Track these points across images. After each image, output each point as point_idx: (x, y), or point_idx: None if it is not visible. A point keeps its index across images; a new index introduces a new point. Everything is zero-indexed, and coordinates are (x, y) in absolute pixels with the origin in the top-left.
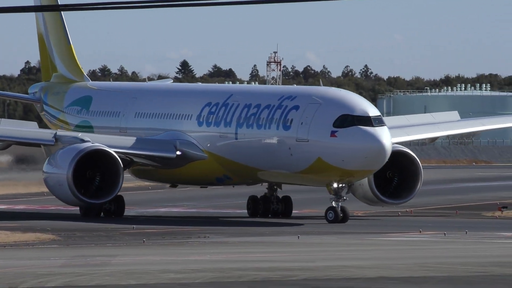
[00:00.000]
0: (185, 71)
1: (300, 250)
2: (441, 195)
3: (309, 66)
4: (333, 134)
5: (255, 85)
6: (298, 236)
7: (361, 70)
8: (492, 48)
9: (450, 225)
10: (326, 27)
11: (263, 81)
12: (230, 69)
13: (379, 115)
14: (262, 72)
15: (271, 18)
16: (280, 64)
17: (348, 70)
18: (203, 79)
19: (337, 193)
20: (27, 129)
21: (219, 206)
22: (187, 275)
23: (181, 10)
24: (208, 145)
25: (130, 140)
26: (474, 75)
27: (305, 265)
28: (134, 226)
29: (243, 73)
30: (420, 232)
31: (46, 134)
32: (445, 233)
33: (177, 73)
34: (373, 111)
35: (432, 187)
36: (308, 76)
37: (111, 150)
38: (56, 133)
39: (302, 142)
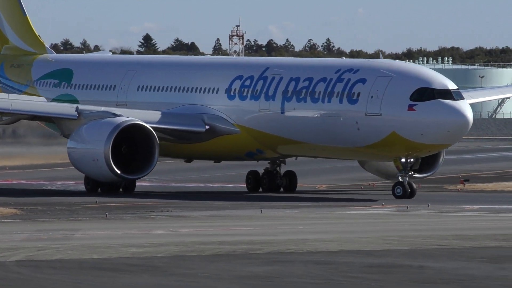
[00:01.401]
0: (147, 45)
1: (263, 223)
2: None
3: (272, 39)
4: (410, 107)
5: (296, 58)
6: (261, 210)
7: (323, 43)
8: (454, 21)
9: (412, 198)
10: (288, 1)
11: (225, 55)
12: (193, 43)
13: (458, 89)
14: (225, 45)
15: None
16: (243, 38)
17: (311, 44)
18: (165, 52)
19: (405, 168)
20: (44, 103)
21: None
22: (150, 249)
23: None
24: (242, 119)
25: (157, 115)
26: (436, 48)
27: (267, 238)
28: (97, 200)
29: (205, 47)
30: (383, 205)
31: (67, 108)
32: (407, 207)
33: (139, 47)
34: (451, 84)
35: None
36: (271, 49)
37: (148, 125)
38: (77, 107)
39: (373, 116)
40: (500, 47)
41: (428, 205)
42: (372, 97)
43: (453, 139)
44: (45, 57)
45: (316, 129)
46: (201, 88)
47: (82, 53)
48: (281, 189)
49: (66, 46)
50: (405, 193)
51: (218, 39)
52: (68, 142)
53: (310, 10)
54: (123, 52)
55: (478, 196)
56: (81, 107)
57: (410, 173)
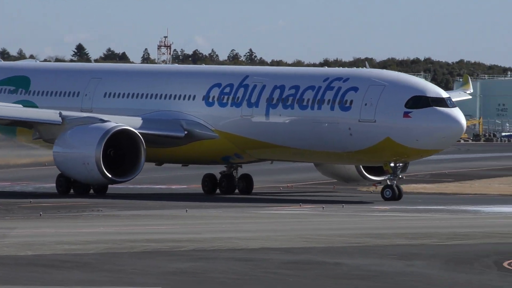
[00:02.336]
0: (80, 54)
1: (188, 222)
2: (295, 173)
3: (197, 49)
4: (406, 114)
5: (278, 67)
6: (186, 210)
7: (246, 53)
8: (367, 33)
9: (328, 199)
10: (213, 13)
11: (153, 64)
12: (124, 53)
13: (450, 97)
14: (153, 55)
15: (161, 3)
16: (170, 48)
17: (234, 53)
18: (97, 61)
19: (394, 172)
20: (26, 109)
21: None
22: (81, 246)
23: None
24: (222, 125)
25: (138, 120)
26: (351, 59)
27: (192, 236)
28: (32, 200)
29: (135, 57)
30: (300, 205)
31: (52, 114)
32: (323, 207)
33: (72, 56)
34: (444, 92)
35: (311, 164)
36: (196, 59)
37: (136, 131)
38: (61, 112)
39: (367, 123)
40: (412, 58)
41: (343, 205)
42: (366, 104)
43: (446, 144)
44: None
45: (305, 135)
46: (175, 95)
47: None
48: (236, 191)
49: (4, 55)
50: (394, 196)
51: (146, 49)
52: (54, 147)
53: (233, 22)
54: (58, 60)
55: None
56: (64, 113)
57: (398, 177)
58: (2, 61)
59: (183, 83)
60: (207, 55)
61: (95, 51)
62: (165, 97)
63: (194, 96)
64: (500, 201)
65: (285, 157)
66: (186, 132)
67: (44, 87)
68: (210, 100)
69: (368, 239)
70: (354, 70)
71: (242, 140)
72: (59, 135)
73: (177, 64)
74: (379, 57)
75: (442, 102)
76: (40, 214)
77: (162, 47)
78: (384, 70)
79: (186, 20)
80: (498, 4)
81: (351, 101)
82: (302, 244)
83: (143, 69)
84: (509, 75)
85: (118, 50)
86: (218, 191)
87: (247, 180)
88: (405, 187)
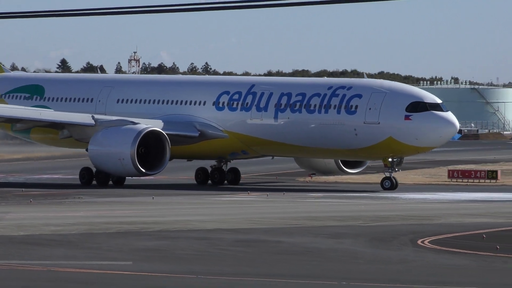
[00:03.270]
0: (63, 67)
1: (154, 208)
2: (267, 164)
3: (162, 63)
4: (407, 117)
5: (283, 77)
6: (153, 197)
7: (202, 66)
8: (303, 47)
9: (271, 188)
10: (175, 32)
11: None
12: (101, 66)
13: (443, 102)
14: (125, 68)
15: (131, 24)
16: (139, 62)
17: (193, 66)
18: (78, 73)
19: (392, 166)
20: (62, 113)
21: None
22: (65, 228)
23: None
24: (231, 126)
25: (160, 122)
26: (291, 70)
27: (158, 219)
28: (23, 189)
29: (110, 69)
30: (248, 193)
31: (85, 116)
32: (267, 194)
33: (57, 68)
34: (438, 99)
35: (259, 158)
36: (161, 71)
37: (163, 131)
38: (93, 116)
39: (371, 124)
40: (340, 70)
41: (284, 193)
42: (370, 109)
43: (441, 142)
44: (6, 75)
45: (312, 135)
46: (187, 101)
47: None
48: (225, 182)
49: None
50: (392, 186)
51: (119, 62)
52: (90, 145)
53: (192, 39)
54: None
55: (323, 186)
56: (96, 116)
57: (395, 170)
58: (16, 72)
59: (193, 90)
60: (169, 67)
61: (76, 64)
62: (176, 103)
63: (205, 102)
64: (414, 189)
65: (288, 153)
66: (199, 132)
67: (58, 94)
68: (220, 105)
69: (305, 221)
70: (356, 79)
71: (250, 139)
72: (94, 135)
73: (188, 75)
74: (313, 68)
75: (437, 107)
76: (31, 201)
77: (132, 60)
78: (383, 80)
79: (152, 38)
80: (413, 21)
81: (356, 106)
82: (249, 226)
83: (152, 79)
84: (421, 84)
85: (95, 63)
86: (209, 182)
87: (235, 172)
88: (336, 178)
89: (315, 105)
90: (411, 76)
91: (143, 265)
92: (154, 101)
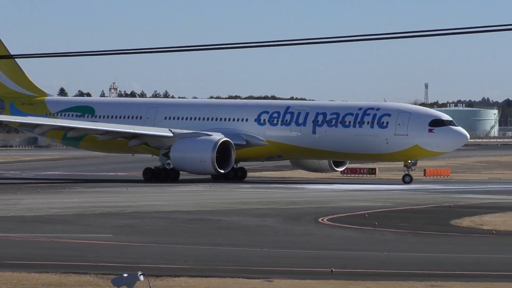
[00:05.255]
0: (62, 94)
1: (128, 195)
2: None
3: (133, 90)
4: (430, 130)
5: (313, 101)
6: (127, 188)
7: (164, 92)
8: (245, 73)
9: (212, 182)
10: (143, 68)
11: None
12: (88, 93)
13: (453, 120)
14: (107, 94)
15: (109, 62)
16: (117, 90)
17: (156, 93)
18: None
19: (411, 166)
20: (143, 127)
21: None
22: (63, 210)
23: (61, 58)
24: (272, 137)
25: (220, 134)
26: (227, 96)
27: (131, 204)
28: (33, 181)
29: (95, 95)
30: (197, 185)
31: (162, 130)
32: (210, 185)
33: (58, 95)
34: (449, 117)
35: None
36: (132, 96)
37: (230, 140)
38: (171, 129)
39: (400, 136)
40: (270, 95)
41: (222, 184)
42: (399, 124)
43: (455, 148)
44: (55, 98)
45: (347, 143)
46: (230, 118)
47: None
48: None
49: None
50: (411, 180)
51: (102, 90)
52: (172, 152)
53: (154, 73)
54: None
55: (255, 180)
56: (173, 130)
57: (412, 168)
58: (66, 96)
59: (236, 111)
60: (139, 94)
61: (70, 92)
62: (220, 120)
63: (247, 119)
64: (316, 182)
65: (320, 157)
66: (246, 141)
67: (107, 113)
68: (261, 121)
69: (238, 205)
70: (380, 103)
71: (289, 147)
72: (173, 144)
73: (230, 99)
74: (243, 93)
75: (451, 123)
76: (39, 191)
77: (112, 89)
78: (401, 103)
79: (126, 72)
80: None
81: (387, 122)
82: (197, 208)
83: (187, 102)
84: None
85: (85, 91)
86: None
87: (242, 171)
88: (257, 174)
89: (349, 121)
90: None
91: (120, 237)
92: (195, 118)
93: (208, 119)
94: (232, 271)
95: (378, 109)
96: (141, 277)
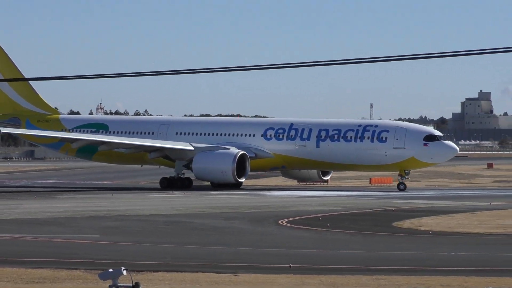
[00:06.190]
0: (70, 113)
1: (113, 201)
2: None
3: (118, 110)
4: (425, 144)
5: (316, 118)
6: (112, 194)
7: (143, 111)
8: (216, 92)
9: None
10: (126, 90)
11: None
12: (78, 111)
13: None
14: (94, 112)
15: (96, 86)
16: (103, 109)
17: (137, 111)
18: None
19: (404, 175)
20: (165, 141)
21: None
22: (57, 213)
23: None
24: (278, 150)
25: (235, 148)
26: (199, 114)
27: (115, 208)
28: (30, 189)
29: (84, 113)
30: (173, 191)
31: (183, 144)
32: (184, 192)
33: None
34: (440, 132)
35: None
36: (117, 114)
37: (246, 153)
38: (191, 144)
39: (398, 149)
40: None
41: (194, 191)
42: (397, 139)
43: (446, 159)
44: (68, 116)
45: (349, 156)
46: (238, 134)
47: None
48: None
49: None
50: (404, 188)
51: (91, 110)
52: (194, 163)
53: (135, 94)
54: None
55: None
56: (194, 144)
57: (406, 177)
58: (78, 115)
59: (244, 127)
60: (122, 112)
61: (63, 110)
62: (228, 135)
63: (254, 134)
64: (276, 189)
65: (323, 168)
66: (255, 154)
67: (121, 129)
68: (268, 136)
69: (209, 209)
70: (377, 121)
71: (294, 159)
72: (195, 156)
73: (235, 117)
74: (196, 112)
75: (443, 137)
76: (35, 197)
77: (99, 108)
78: (397, 121)
79: (111, 93)
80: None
81: (386, 137)
82: (173, 212)
83: (197, 120)
84: None
85: (75, 110)
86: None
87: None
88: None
89: (351, 136)
90: None
91: (106, 237)
92: (205, 133)
93: (217, 134)
94: (203, 267)
95: (376, 126)
96: (124, 272)
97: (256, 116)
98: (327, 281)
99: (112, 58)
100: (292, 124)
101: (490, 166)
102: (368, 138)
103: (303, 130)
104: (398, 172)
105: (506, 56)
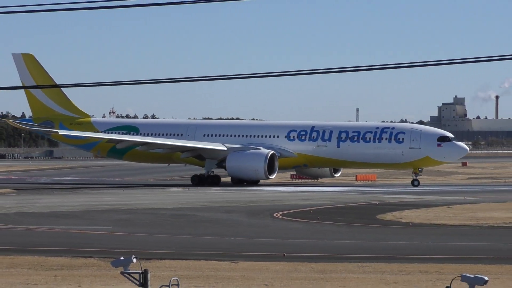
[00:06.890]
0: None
1: (124, 196)
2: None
3: (128, 114)
4: (439, 145)
5: (334, 122)
6: (123, 189)
7: (152, 115)
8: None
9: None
10: (136, 96)
11: None
12: (93, 115)
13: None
14: (107, 116)
15: (108, 95)
16: (115, 113)
17: (145, 115)
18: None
19: (418, 172)
20: (199, 142)
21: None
22: (73, 207)
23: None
24: (300, 150)
25: (266, 149)
26: (201, 118)
27: (126, 202)
28: (50, 185)
29: (98, 117)
30: (178, 187)
31: (216, 144)
32: (188, 188)
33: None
34: (451, 134)
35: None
36: (128, 118)
37: (275, 153)
38: (225, 144)
39: (414, 149)
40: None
41: (198, 187)
42: (413, 140)
43: (457, 158)
44: (99, 119)
45: (368, 155)
46: (263, 135)
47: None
48: (245, 183)
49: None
50: (418, 184)
51: (104, 114)
52: (228, 162)
53: (143, 100)
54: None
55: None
56: (227, 144)
57: (419, 174)
58: (109, 118)
59: (269, 129)
60: (132, 116)
61: None
62: (253, 136)
63: (278, 136)
64: (272, 185)
65: (343, 166)
66: (280, 154)
67: (151, 131)
68: (291, 138)
69: (210, 203)
70: (394, 123)
71: (316, 158)
72: (228, 156)
73: (258, 121)
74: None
75: (455, 138)
76: (54, 192)
77: (111, 113)
78: (412, 124)
79: (122, 99)
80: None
81: (403, 138)
82: (178, 206)
83: (222, 123)
84: None
85: (90, 114)
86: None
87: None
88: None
89: (369, 138)
90: None
91: (117, 229)
92: (233, 135)
93: (243, 136)
94: (205, 255)
95: (393, 128)
96: (134, 260)
97: (253, 119)
98: (317, 268)
99: (124, 67)
100: (313, 127)
101: (464, 164)
102: (386, 139)
103: (324, 132)
104: (412, 170)
105: (478, 65)
